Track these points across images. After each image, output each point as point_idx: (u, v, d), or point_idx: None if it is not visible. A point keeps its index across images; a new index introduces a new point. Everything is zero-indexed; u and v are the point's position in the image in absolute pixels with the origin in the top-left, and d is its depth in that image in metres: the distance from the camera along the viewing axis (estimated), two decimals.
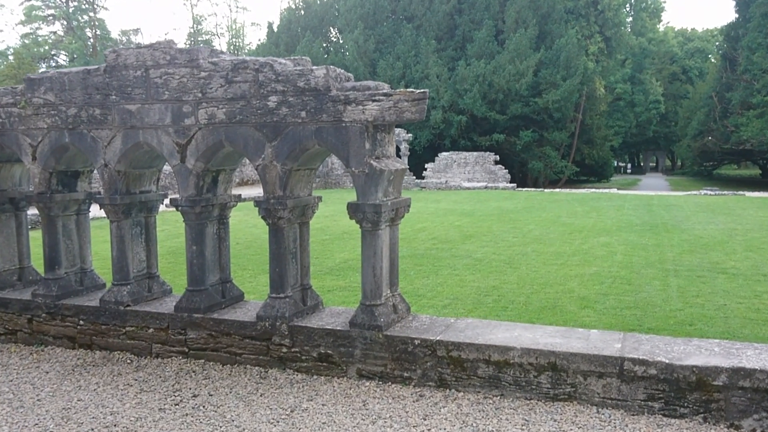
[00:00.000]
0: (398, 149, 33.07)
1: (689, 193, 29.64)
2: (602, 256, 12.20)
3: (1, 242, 6.92)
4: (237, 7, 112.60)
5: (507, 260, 11.76)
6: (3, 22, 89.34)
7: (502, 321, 5.74)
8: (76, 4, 60.70)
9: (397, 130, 32.99)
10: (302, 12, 46.48)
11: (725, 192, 28.74)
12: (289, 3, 48.56)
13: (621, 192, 30.69)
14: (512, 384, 4.89)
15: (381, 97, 4.98)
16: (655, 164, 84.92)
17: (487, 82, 38.27)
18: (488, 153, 36.38)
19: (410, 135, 35.51)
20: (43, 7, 59.97)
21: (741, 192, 29.21)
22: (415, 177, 33.54)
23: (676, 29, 78.43)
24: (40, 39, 60.79)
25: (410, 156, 35.87)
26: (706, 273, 10.31)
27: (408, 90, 4.91)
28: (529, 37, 38.75)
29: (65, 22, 60.46)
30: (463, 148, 38.99)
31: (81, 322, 6.30)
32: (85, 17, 61.53)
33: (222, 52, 5.71)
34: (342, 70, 5.37)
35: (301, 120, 5.28)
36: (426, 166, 36.70)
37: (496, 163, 36.06)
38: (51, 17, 60.71)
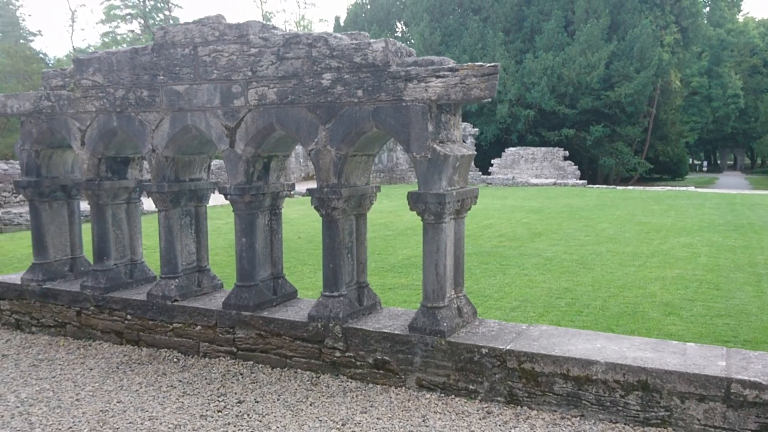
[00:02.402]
0: (464, 142, 32.22)
1: None
2: (684, 257, 11.28)
3: (53, 231, 6.70)
4: (305, 2, 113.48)
5: (580, 260, 11.02)
6: (85, 22, 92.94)
7: (581, 329, 5.09)
8: (152, 2, 62.31)
9: (463, 124, 32.14)
10: (368, 6, 46.16)
11: None
12: None
13: (699, 190, 29.03)
14: (594, 403, 4.24)
15: (446, 73, 4.42)
16: (732, 162, 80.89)
17: (556, 75, 36.93)
18: (557, 148, 35.08)
19: (476, 129, 34.65)
20: (121, 6, 61.78)
21: None
22: (480, 173, 32.70)
23: (756, 20, 74.25)
24: (119, 37, 62.72)
25: (476, 151, 34.97)
26: None
27: (476, 64, 4.32)
28: (601, 27, 37.14)
29: (142, 21, 62.16)
30: (531, 144, 37.79)
31: (128, 317, 5.99)
32: (161, 15, 63.09)
33: (274, 27, 5.26)
34: (403, 44, 4.82)
35: (357, 99, 4.76)
36: (492, 161, 35.73)
37: (566, 159, 34.75)
38: (129, 16, 62.50)
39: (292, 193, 5.98)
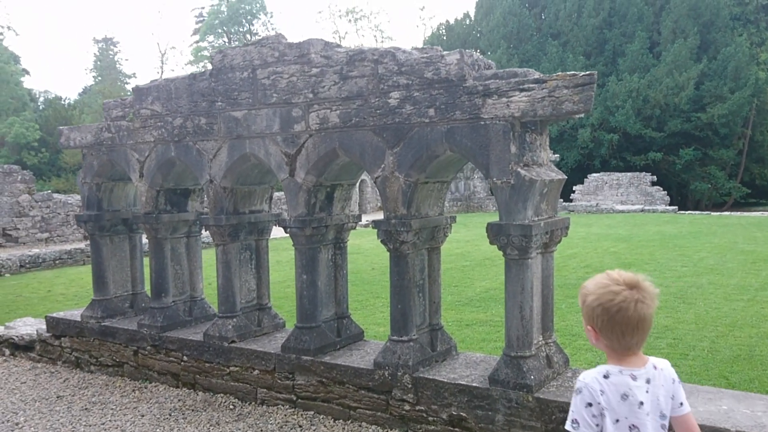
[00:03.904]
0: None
1: None
2: None
3: (114, 266, 6.45)
4: (383, 37, 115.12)
5: (678, 294, 10.01)
6: (174, 63, 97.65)
7: (698, 385, 4.29)
8: (237, 43, 64.54)
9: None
10: (444, 37, 46.00)
11: None
12: (432, 29, 48.40)
13: None
14: None
15: (531, 85, 3.81)
16: None
17: (641, 98, 35.31)
18: (643, 173, 33.41)
19: (557, 156, 33.48)
20: (208, 48, 64.18)
21: None
22: (562, 200, 31.49)
23: None
24: None
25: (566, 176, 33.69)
26: None
27: (568, 73, 3.70)
28: (689, 47, 35.35)
29: None
30: (615, 169, 36.17)
31: (185, 358, 5.60)
32: None
33: (338, 45, 4.81)
34: (480, 56, 4.26)
35: (428, 120, 4.22)
36: (574, 188, 34.39)
37: (653, 184, 33.01)
38: None
39: (368, 222, 5.46)
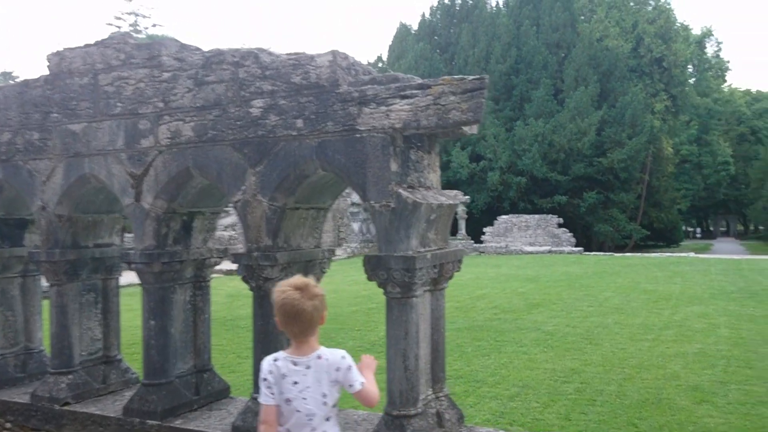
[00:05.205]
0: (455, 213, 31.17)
1: None
2: (702, 329, 10.09)
3: None
4: None
5: (585, 334, 9.75)
6: None
7: None
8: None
9: (453, 192, 31.16)
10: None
11: None
12: None
13: (700, 256, 27.91)
14: None
15: (414, 91, 3.21)
16: (725, 228, 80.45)
17: (547, 142, 36.33)
18: (551, 216, 34.12)
19: (467, 197, 33.64)
20: None
21: None
22: (473, 241, 31.59)
23: (741, 90, 75.14)
24: None
25: (467, 220, 33.88)
26: None
27: (456, 77, 3.13)
28: (590, 94, 36.87)
29: None
30: (523, 211, 36.81)
31: (8, 425, 4.57)
32: None
33: (197, 48, 4.10)
34: (357, 60, 3.64)
35: (296, 132, 3.54)
36: (484, 230, 34.65)
37: (560, 226, 33.73)
38: None
39: None
